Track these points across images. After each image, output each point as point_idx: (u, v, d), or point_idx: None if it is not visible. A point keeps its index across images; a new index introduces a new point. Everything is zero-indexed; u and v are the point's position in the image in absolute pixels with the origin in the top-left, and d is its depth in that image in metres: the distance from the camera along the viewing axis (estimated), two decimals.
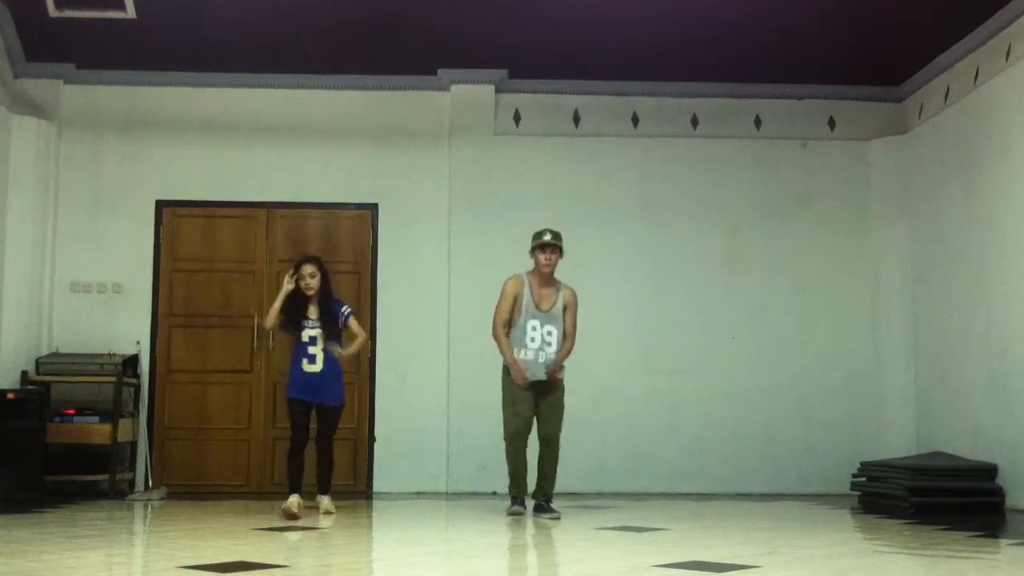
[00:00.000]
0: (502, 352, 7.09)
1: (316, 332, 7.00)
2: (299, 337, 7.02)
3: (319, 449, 7.13)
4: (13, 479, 7.77)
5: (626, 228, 9.36)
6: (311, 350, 7.00)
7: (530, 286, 7.14)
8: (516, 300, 7.11)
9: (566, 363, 7.17)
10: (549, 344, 7.06)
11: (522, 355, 7.05)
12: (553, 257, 7.11)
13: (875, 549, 5.56)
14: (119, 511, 7.33)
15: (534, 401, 7.08)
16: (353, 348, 7.24)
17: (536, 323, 7.07)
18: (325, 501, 7.09)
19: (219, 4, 8.64)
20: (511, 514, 6.94)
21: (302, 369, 7.00)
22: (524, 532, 6.24)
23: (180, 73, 9.29)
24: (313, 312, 7.04)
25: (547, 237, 7.09)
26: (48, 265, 9.02)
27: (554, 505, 7.05)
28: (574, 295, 7.23)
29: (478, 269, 9.01)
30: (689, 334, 9.26)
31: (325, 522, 6.53)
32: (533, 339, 7.05)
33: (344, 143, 9.37)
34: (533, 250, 7.17)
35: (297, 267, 7.08)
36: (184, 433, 9.04)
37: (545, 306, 7.12)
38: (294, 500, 6.77)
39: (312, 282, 7.01)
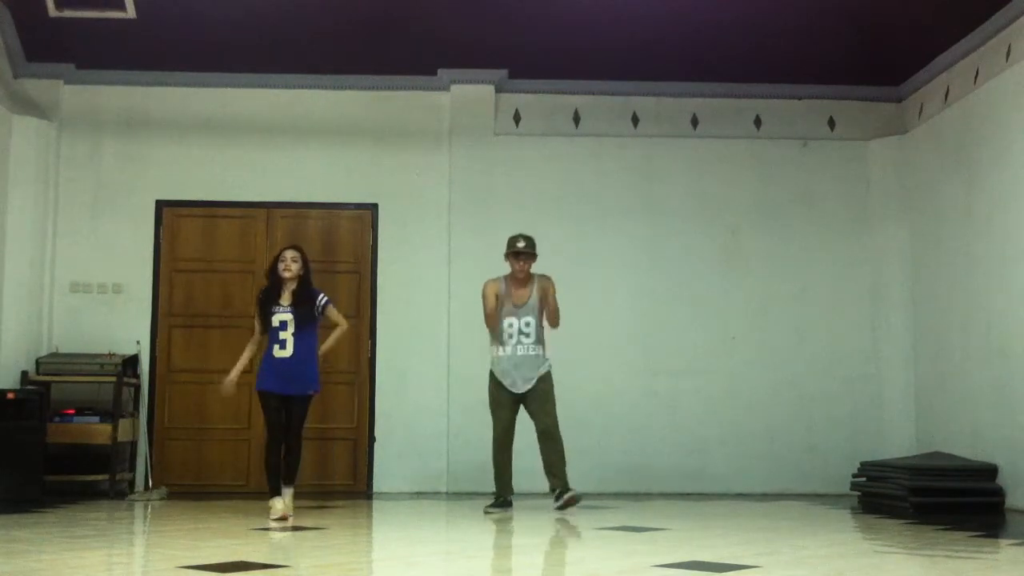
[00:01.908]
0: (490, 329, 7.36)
1: (287, 317, 6.75)
2: (270, 324, 6.77)
3: (286, 442, 6.73)
4: (13, 479, 7.77)
5: (626, 228, 9.36)
6: (281, 335, 6.74)
7: (507, 286, 7.39)
8: (498, 297, 7.34)
9: (551, 363, 7.34)
10: (526, 335, 7.30)
11: (500, 351, 7.30)
12: (527, 265, 7.36)
13: (875, 549, 5.56)
14: (119, 511, 7.33)
15: (516, 405, 7.30)
16: (330, 341, 6.98)
17: (512, 319, 7.31)
18: (287, 496, 6.67)
19: (219, 4, 8.64)
20: (486, 512, 7.06)
21: (272, 355, 6.75)
22: (524, 532, 6.25)
23: (180, 73, 9.29)
24: (286, 299, 6.82)
25: (520, 244, 7.36)
26: (48, 265, 9.01)
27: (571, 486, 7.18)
28: (549, 280, 7.43)
29: (478, 269, 8.97)
30: (689, 334, 9.26)
31: (325, 521, 6.52)
32: (510, 335, 7.30)
33: (344, 143, 9.37)
34: (507, 256, 7.40)
35: (278, 254, 6.98)
36: (184, 433, 9.04)
37: (520, 302, 7.35)
38: (280, 505, 6.58)
39: (293, 266, 6.85)
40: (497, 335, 7.31)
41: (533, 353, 7.28)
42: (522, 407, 7.35)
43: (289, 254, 6.92)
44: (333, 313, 6.98)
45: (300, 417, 6.81)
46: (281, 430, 6.76)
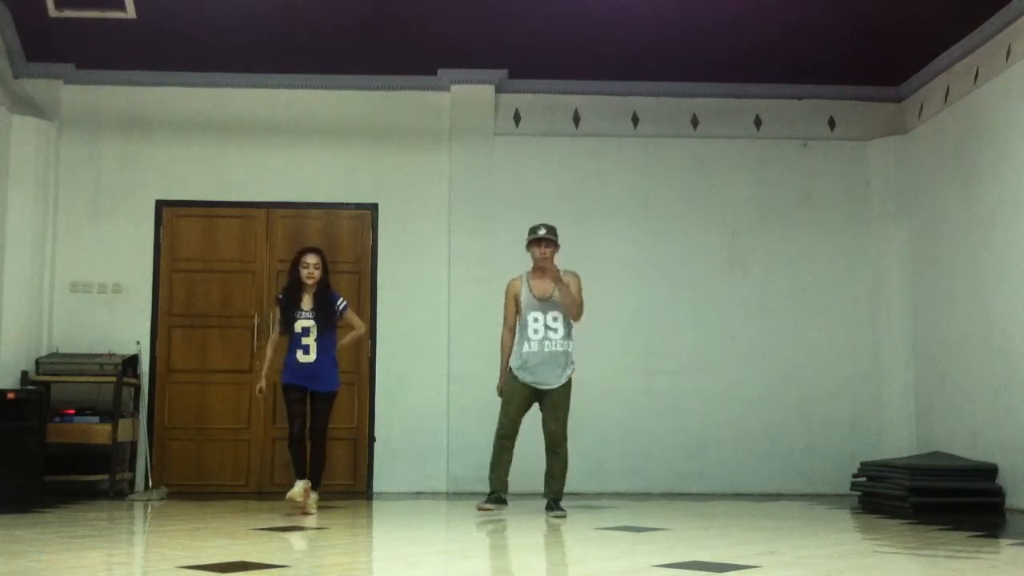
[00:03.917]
0: (501, 358, 7.29)
1: (309, 323, 6.97)
2: (292, 329, 6.98)
3: (313, 442, 7.02)
4: (13, 479, 7.77)
5: (626, 228, 9.36)
6: (304, 341, 6.96)
7: (528, 282, 7.26)
8: (517, 300, 7.23)
9: (575, 366, 7.25)
10: (554, 330, 7.14)
11: (526, 347, 7.15)
12: (548, 251, 7.20)
13: (875, 549, 5.56)
14: (119, 511, 7.33)
15: (530, 402, 7.19)
16: (347, 339, 7.24)
17: (537, 313, 7.17)
18: (311, 498, 6.94)
19: (219, 4, 8.64)
20: (480, 509, 7.00)
21: (296, 360, 6.96)
22: (524, 532, 6.24)
23: (180, 73, 9.29)
24: (307, 303, 7.01)
25: (542, 232, 7.22)
26: (48, 265, 9.02)
27: (563, 504, 7.11)
28: (576, 276, 7.28)
29: (478, 269, 9.02)
30: (689, 334, 9.26)
31: (325, 521, 6.52)
32: (536, 330, 7.14)
33: (344, 143, 9.37)
34: (529, 245, 7.27)
35: (299, 256, 7.11)
36: (184, 433, 9.04)
37: (544, 294, 7.18)
38: (299, 488, 6.80)
39: (316, 273, 7.03)
40: (522, 333, 7.16)
41: (561, 349, 7.13)
42: (535, 406, 7.24)
43: (311, 260, 7.07)
44: (352, 317, 7.25)
45: (324, 415, 7.03)
46: (303, 423, 6.99)
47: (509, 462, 7.20)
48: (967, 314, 8.34)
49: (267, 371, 7.16)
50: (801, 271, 9.40)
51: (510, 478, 7.21)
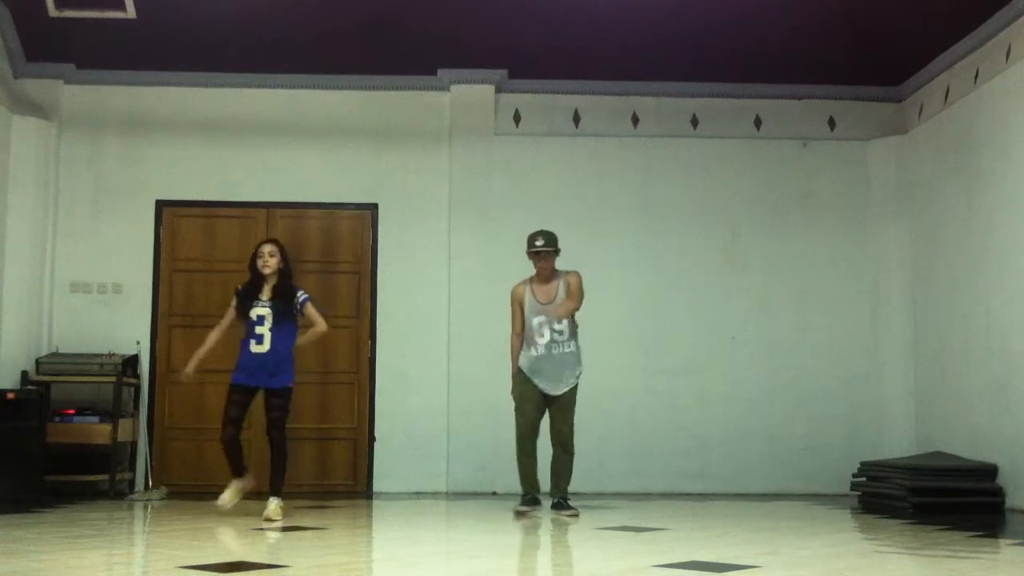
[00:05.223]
0: (512, 363, 7.26)
1: (264, 312, 6.69)
2: (248, 318, 6.72)
3: (270, 441, 6.65)
4: (13, 479, 7.77)
5: (626, 228, 9.36)
6: (258, 330, 6.68)
7: (531, 287, 7.29)
8: (522, 305, 7.26)
9: (583, 368, 7.31)
10: (559, 332, 7.19)
11: (533, 351, 7.18)
12: (548, 263, 7.24)
13: (875, 549, 5.56)
14: (119, 511, 7.33)
15: (543, 403, 7.19)
16: (306, 338, 6.86)
17: (542, 318, 7.20)
18: (272, 505, 6.48)
19: (219, 4, 8.64)
20: (517, 512, 6.99)
21: (249, 351, 6.70)
22: (524, 532, 6.25)
23: (180, 73, 9.29)
24: (266, 293, 6.76)
25: (539, 243, 7.21)
26: (48, 265, 9.01)
27: (571, 503, 7.13)
28: (577, 276, 7.28)
29: (478, 269, 9.02)
30: (689, 334, 9.26)
31: (325, 521, 6.51)
32: (543, 334, 7.18)
33: (344, 143, 9.37)
34: (528, 255, 7.30)
35: (256, 247, 6.90)
36: (184, 433, 9.03)
37: (546, 299, 7.22)
38: (226, 495, 6.59)
39: (271, 261, 6.75)
40: (529, 337, 7.18)
41: (569, 351, 7.20)
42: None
43: (267, 249, 6.82)
44: (312, 312, 6.84)
45: (279, 408, 6.67)
46: (235, 427, 6.67)
47: (535, 462, 7.17)
48: (967, 314, 8.34)
49: (203, 354, 6.89)
50: (801, 271, 9.40)
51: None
